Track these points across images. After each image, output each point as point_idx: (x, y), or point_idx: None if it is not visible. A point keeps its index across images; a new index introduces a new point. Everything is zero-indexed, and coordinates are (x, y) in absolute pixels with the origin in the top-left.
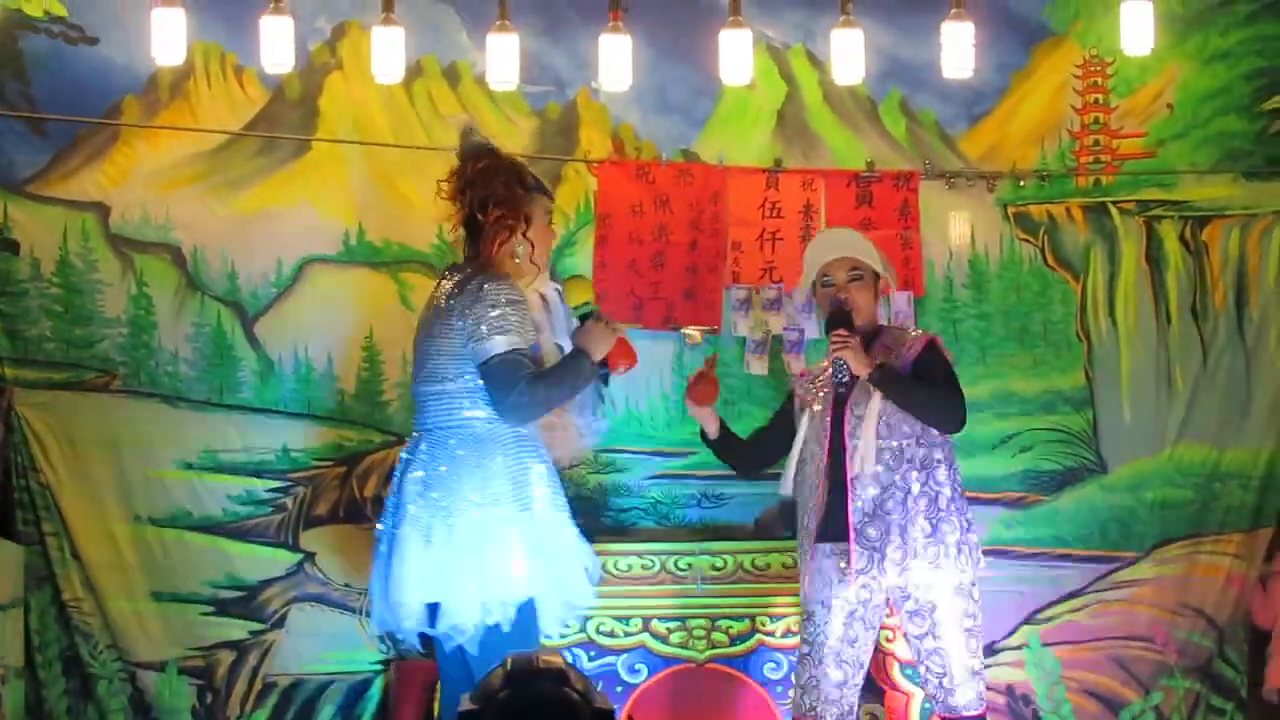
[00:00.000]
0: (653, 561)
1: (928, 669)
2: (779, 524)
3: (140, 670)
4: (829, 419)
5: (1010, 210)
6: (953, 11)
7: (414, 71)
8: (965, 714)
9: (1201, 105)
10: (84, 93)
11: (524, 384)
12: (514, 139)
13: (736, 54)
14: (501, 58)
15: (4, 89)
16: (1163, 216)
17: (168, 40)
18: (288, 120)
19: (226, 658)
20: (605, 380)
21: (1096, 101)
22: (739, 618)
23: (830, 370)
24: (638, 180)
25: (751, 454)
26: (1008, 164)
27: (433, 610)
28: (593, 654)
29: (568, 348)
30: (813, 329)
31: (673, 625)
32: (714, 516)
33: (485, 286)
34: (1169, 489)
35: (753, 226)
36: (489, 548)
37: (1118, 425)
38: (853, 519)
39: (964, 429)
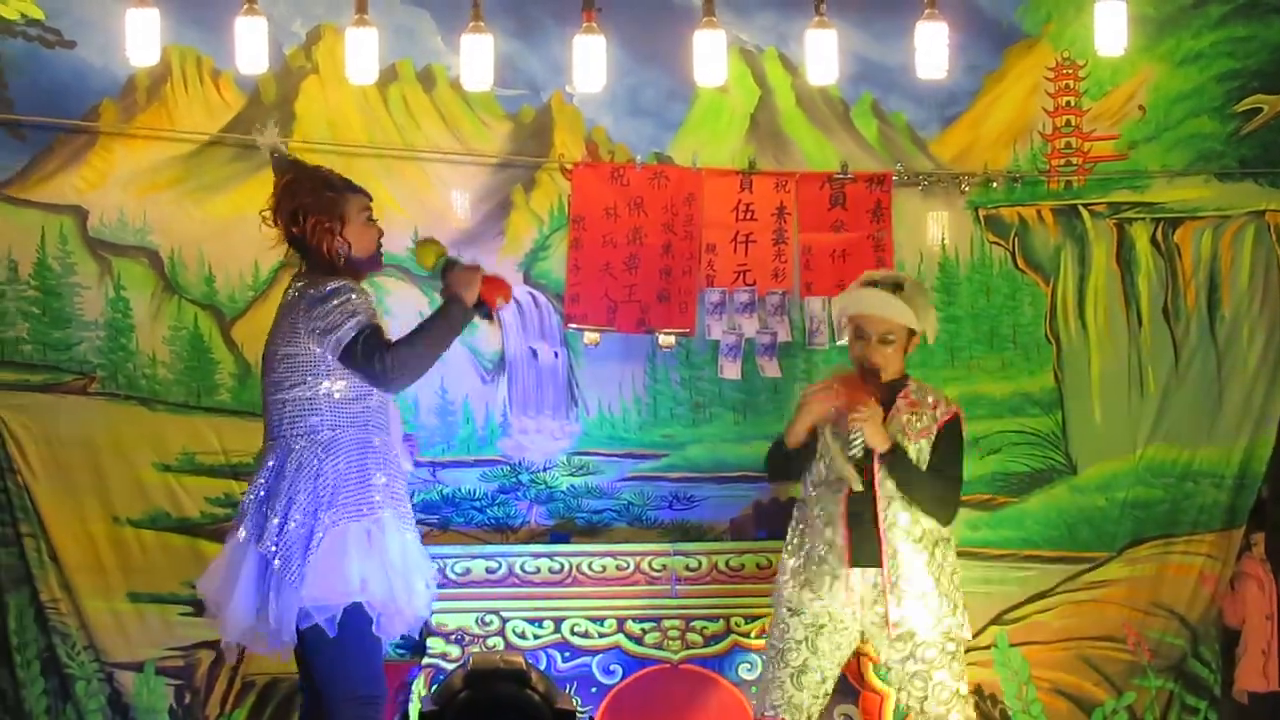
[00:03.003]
0: (627, 563)
1: (909, 694)
2: (752, 524)
3: (118, 670)
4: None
5: (981, 213)
6: (926, 12)
7: (389, 75)
8: None
9: (1173, 107)
10: (61, 96)
11: (383, 351)
12: (488, 142)
13: (710, 54)
14: (476, 58)
15: None
16: (1134, 219)
17: (142, 41)
18: (264, 124)
19: (205, 657)
20: (489, 317)
21: (1068, 104)
22: (713, 618)
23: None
24: (612, 183)
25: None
26: (979, 166)
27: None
28: (567, 655)
29: (543, 351)
30: (785, 333)
31: (647, 626)
32: (687, 517)
33: (322, 287)
34: (1140, 489)
35: (727, 229)
36: (315, 550)
37: (1088, 427)
38: (887, 562)
39: (951, 523)
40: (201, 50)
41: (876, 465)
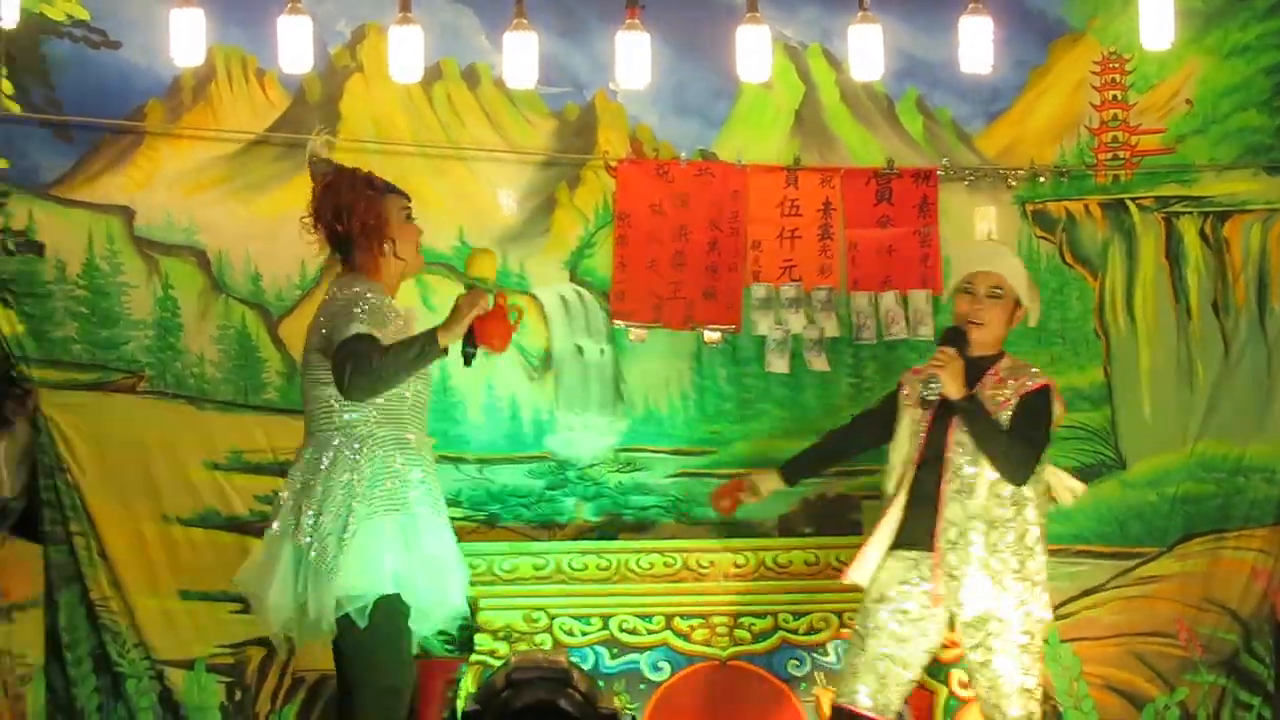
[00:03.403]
0: (675, 559)
1: (977, 684)
2: (801, 521)
3: (169, 668)
4: (927, 427)
5: (1028, 208)
6: (970, 6)
7: (433, 74)
8: None
9: (1221, 100)
10: (107, 96)
11: (350, 364)
12: (533, 140)
13: (754, 50)
14: (519, 56)
15: (29, 93)
16: (1182, 213)
17: (187, 41)
18: (309, 123)
19: (256, 654)
20: (468, 360)
21: (1115, 98)
22: (761, 615)
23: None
24: (657, 179)
25: (837, 448)
26: (1025, 161)
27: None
28: (615, 651)
29: (589, 348)
30: (833, 328)
31: (695, 622)
32: (735, 513)
33: (338, 288)
34: (1191, 484)
35: (772, 225)
36: (351, 540)
37: (1138, 422)
38: (939, 541)
39: (1025, 484)
40: (246, 50)
41: (949, 446)
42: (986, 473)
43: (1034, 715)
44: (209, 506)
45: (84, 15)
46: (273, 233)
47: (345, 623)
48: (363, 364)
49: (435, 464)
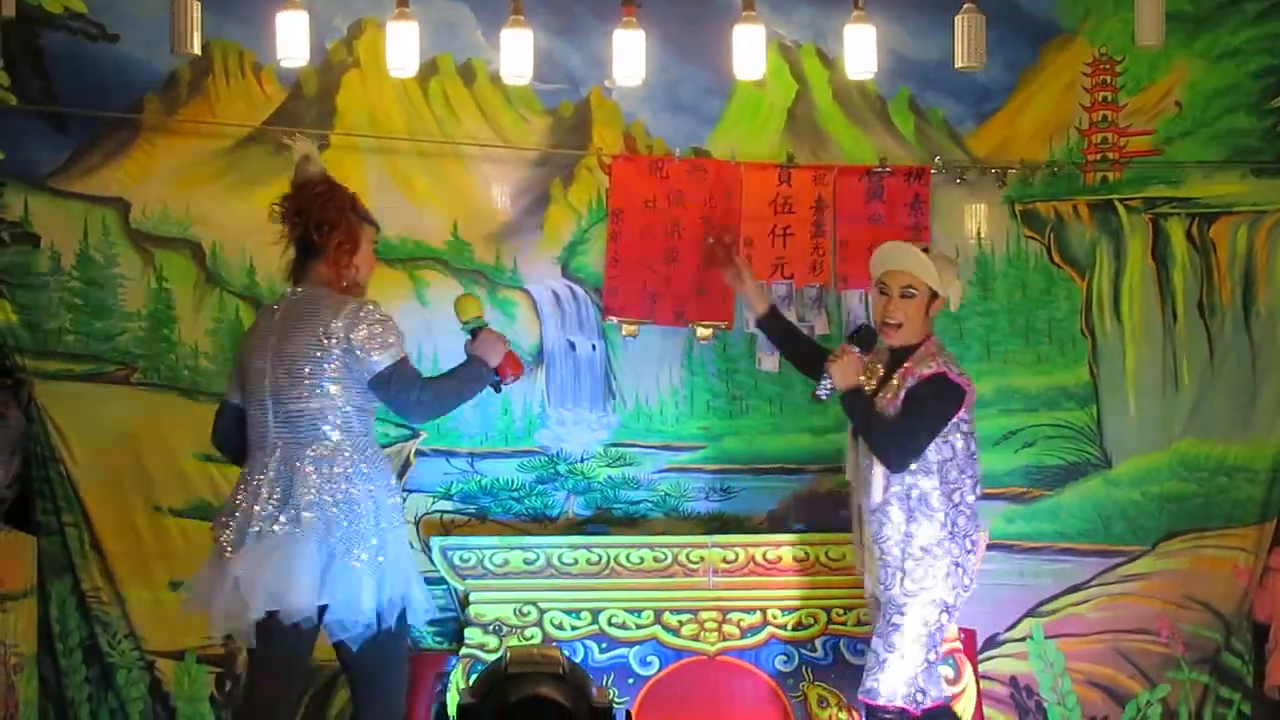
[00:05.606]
0: (665, 554)
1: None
2: (790, 517)
3: (159, 659)
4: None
5: (1017, 207)
6: (964, 6)
7: (429, 69)
8: (864, 700)
9: (1210, 103)
10: (105, 89)
11: (421, 385)
12: (527, 136)
13: (749, 49)
14: (515, 52)
15: (26, 84)
16: (1170, 214)
17: (184, 33)
18: (305, 118)
19: (245, 645)
20: (497, 388)
21: (1105, 99)
22: (750, 610)
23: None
24: (651, 175)
25: (806, 355)
26: (1016, 162)
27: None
28: (604, 645)
29: (580, 343)
30: (823, 326)
31: (684, 617)
32: (724, 509)
33: (362, 306)
34: (1174, 483)
35: (765, 222)
36: (390, 549)
37: (1123, 421)
38: (866, 535)
39: (903, 472)
40: (243, 44)
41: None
42: (878, 465)
43: (892, 696)
44: (201, 498)
45: (81, 8)
46: (268, 226)
47: (386, 630)
48: (434, 389)
49: None
